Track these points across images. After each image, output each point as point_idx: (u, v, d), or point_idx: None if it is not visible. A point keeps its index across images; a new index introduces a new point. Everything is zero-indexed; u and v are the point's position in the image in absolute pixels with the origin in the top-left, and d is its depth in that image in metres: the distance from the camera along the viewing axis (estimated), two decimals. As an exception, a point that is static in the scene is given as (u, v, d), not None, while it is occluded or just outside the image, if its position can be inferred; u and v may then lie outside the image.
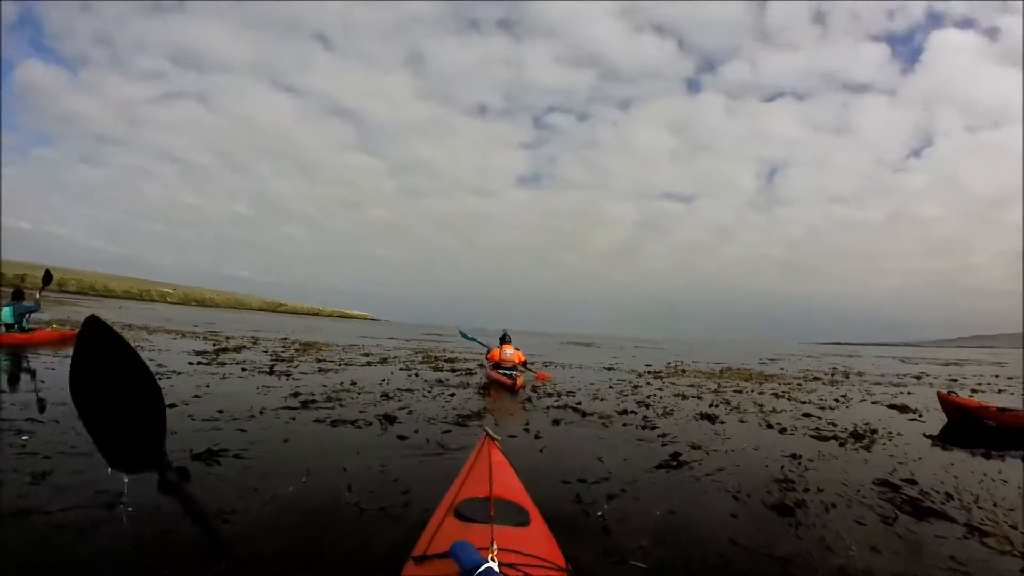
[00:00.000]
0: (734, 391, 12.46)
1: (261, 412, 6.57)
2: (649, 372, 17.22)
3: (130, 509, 3.34)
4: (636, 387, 12.26)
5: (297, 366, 12.19)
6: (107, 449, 1.58)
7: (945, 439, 7.73)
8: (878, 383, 16.93)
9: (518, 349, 11.74)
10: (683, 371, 18.60)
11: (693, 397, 10.87)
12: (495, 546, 1.92)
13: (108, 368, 1.58)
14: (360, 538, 3.31)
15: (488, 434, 3.25)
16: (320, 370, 11.66)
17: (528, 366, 12.20)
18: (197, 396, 7.32)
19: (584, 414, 8.00)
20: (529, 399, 9.04)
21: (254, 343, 18.60)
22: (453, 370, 13.76)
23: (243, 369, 10.62)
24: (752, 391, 12.68)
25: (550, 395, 9.90)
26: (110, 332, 1.60)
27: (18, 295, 12.07)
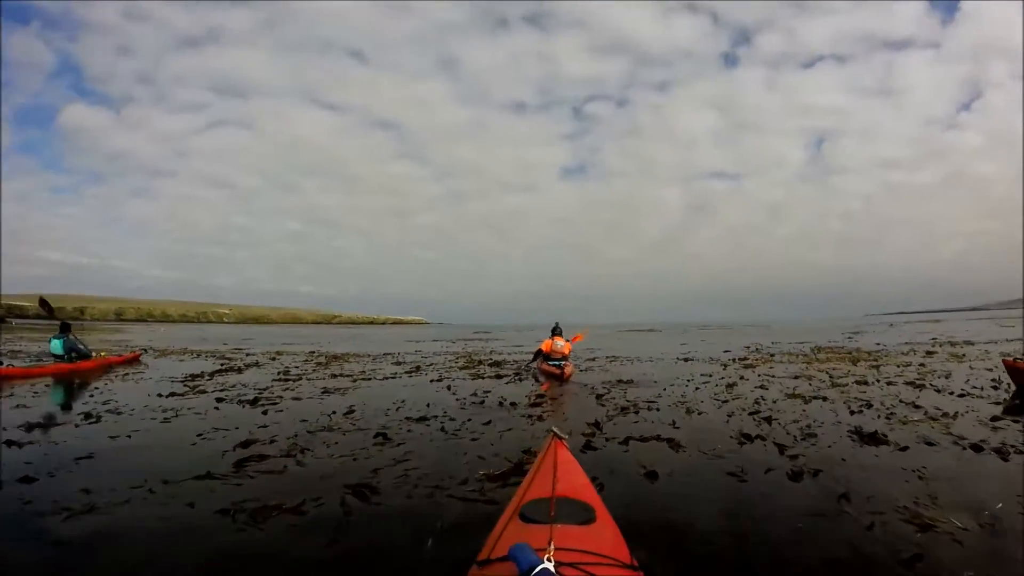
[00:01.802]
0: (856, 382, 9.56)
1: (165, 482, 4.01)
2: (734, 361, 14.36)
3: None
4: (731, 385, 9.46)
5: (299, 386, 9.86)
6: None
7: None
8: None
9: (568, 341, 11.60)
10: (770, 356, 16.14)
11: (814, 397, 8.01)
12: (552, 546, 1.83)
13: None
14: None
15: (555, 433, 3.07)
16: (325, 391, 9.22)
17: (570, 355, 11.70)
18: (91, 456, 4.81)
19: (679, 446, 5.14)
20: (597, 424, 6.09)
21: (272, 359, 16.64)
22: (498, 376, 11.19)
23: (219, 400, 8.16)
24: (878, 380, 9.80)
25: (624, 409, 7.06)
26: None
27: (65, 328, 12.51)
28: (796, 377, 10.37)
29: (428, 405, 7.52)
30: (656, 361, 14.97)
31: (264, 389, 9.41)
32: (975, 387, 8.64)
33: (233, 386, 9.86)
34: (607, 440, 5.40)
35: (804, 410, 6.90)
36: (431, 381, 10.54)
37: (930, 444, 5.19)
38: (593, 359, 15.46)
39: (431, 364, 14.81)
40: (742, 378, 10.37)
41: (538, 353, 11.80)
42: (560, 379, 10.51)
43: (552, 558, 1.76)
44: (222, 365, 14.30)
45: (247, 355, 18.62)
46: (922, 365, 11.92)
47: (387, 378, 11.28)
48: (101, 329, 45.81)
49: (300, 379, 11.06)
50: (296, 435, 5.67)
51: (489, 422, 6.34)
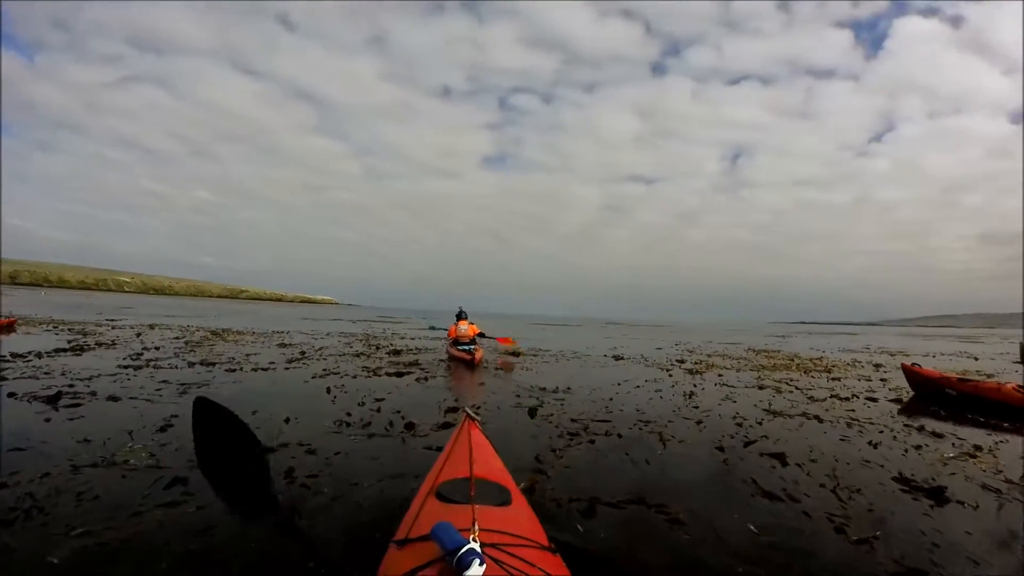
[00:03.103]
0: (833, 396, 8.16)
1: None
2: (674, 363, 12.82)
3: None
4: (689, 395, 7.79)
5: (139, 376, 7.34)
6: (230, 501, 1.93)
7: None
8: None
9: (472, 323, 11.75)
10: (708, 358, 14.94)
11: (800, 415, 6.50)
12: (476, 526, 1.82)
13: (221, 438, 2.02)
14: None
15: (468, 414, 3.05)
16: (164, 385, 6.68)
17: (484, 337, 12.11)
18: None
19: (677, 521, 3.06)
20: (540, 464, 4.02)
21: (138, 335, 13.89)
22: (398, 373, 8.89)
23: (10, 395, 5.65)
24: (855, 395, 8.38)
25: (573, 436, 5.00)
26: (218, 408, 2.04)
27: None
28: (760, 388, 8.81)
29: (288, 421, 5.09)
30: (584, 359, 13.15)
31: (86, 379, 6.82)
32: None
33: (50, 372, 7.25)
34: (559, 501, 3.29)
35: (807, 439, 5.19)
36: (313, 377, 8.08)
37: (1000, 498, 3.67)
38: (515, 354, 13.50)
39: (322, 350, 12.41)
40: (696, 386, 8.69)
41: (439, 330, 12.94)
42: (471, 365, 10.41)
43: (477, 538, 1.74)
44: (70, 342, 11.34)
45: (113, 329, 15.62)
46: (884, 380, 10.54)
47: (261, 369, 8.71)
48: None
49: (149, 365, 8.41)
50: (43, 476, 3.32)
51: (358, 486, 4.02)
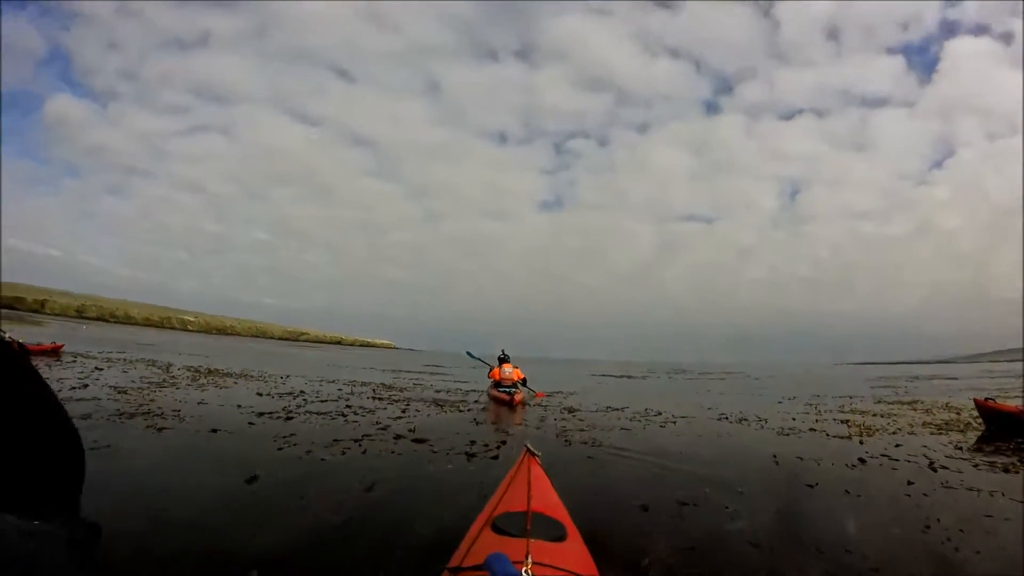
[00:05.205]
0: None
1: None
2: (828, 435, 8.40)
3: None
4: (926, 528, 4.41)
5: None
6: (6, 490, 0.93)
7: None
8: None
9: (516, 367, 11.90)
10: (870, 427, 9.23)
11: None
12: (530, 559, 1.78)
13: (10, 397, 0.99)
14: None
15: (528, 449, 3.01)
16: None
17: (528, 385, 12.16)
18: None
19: None
20: None
21: (98, 369, 12.61)
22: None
23: None
24: None
25: None
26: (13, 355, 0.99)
27: None
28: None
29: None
30: (692, 424, 9.20)
31: None
32: None
33: None
34: None
35: None
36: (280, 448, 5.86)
37: None
38: (587, 432, 10.19)
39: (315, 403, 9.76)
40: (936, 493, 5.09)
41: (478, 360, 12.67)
42: (510, 405, 10.60)
43: (530, 571, 1.73)
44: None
45: (89, 360, 14.72)
46: None
47: (210, 431, 6.50)
48: (28, 321, 43.57)
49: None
50: None
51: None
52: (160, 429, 6.60)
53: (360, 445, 6.20)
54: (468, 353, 15.04)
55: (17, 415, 1.11)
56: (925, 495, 5.06)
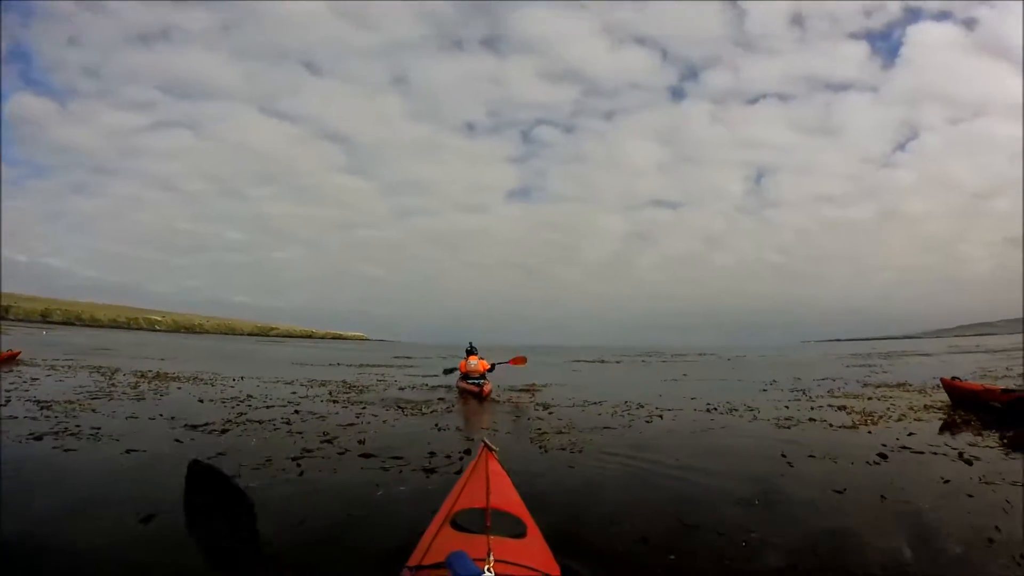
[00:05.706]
0: None
1: None
2: (824, 423, 8.04)
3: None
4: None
5: None
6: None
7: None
8: None
9: (483, 359, 11.91)
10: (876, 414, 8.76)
11: None
12: (492, 557, 1.78)
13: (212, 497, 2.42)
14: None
15: (486, 445, 3.00)
16: None
17: (494, 370, 11.95)
18: None
19: None
20: None
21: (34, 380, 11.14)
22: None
23: None
24: None
25: None
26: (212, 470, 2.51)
27: None
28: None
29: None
30: (680, 417, 8.72)
31: None
32: None
33: None
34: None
35: None
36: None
37: None
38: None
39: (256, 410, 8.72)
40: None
41: (453, 371, 12.34)
42: (479, 397, 10.51)
43: (492, 569, 1.71)
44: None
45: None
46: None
47: (111, 439, 5.58)
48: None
49: None
50: None
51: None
52: (67, 450, 5.68)
53: (297, 465, 5.33)
54: (444, 371, 14.19)
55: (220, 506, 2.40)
56: (969, 496, 4.43)
